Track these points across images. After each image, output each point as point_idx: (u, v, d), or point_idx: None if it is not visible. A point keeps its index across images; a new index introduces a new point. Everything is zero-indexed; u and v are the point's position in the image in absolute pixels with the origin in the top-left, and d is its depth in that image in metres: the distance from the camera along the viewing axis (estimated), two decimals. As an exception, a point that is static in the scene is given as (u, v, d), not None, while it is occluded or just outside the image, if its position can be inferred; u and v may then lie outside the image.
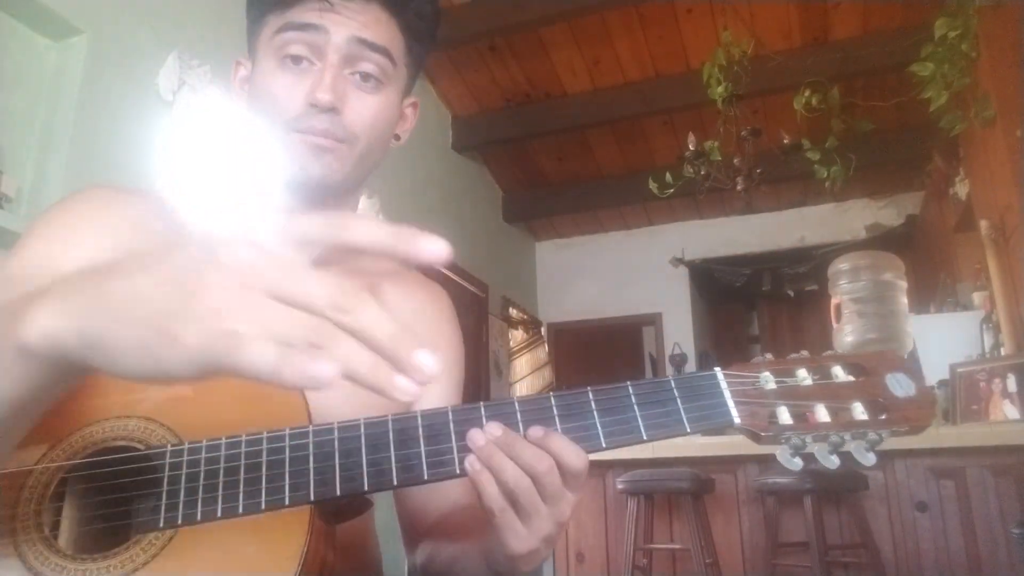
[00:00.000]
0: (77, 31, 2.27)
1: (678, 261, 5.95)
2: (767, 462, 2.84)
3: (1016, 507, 2.49)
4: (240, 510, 0.55)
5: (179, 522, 0.55)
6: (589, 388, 0.62)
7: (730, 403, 0.62)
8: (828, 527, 2.60)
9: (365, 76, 0.78)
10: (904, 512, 2.66)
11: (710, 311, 6.62)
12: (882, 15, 3.80)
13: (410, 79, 0.86)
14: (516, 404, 0.61)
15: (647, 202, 5.21)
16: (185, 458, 0.57)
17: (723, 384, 0.63)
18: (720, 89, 3.78)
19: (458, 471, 0.59)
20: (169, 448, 0.58)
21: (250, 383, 0.53)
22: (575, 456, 0.58)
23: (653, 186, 4.14)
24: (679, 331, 5.89)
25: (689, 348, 5.87)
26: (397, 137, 0.88)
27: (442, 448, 0.60)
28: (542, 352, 6.08)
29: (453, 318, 0.96)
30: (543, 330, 6.23)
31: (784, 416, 0.62)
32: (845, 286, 3.48)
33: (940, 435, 2.62)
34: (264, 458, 0.57)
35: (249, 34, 0.84)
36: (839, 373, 0.63)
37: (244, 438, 0.58)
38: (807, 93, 3.70)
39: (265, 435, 0.58)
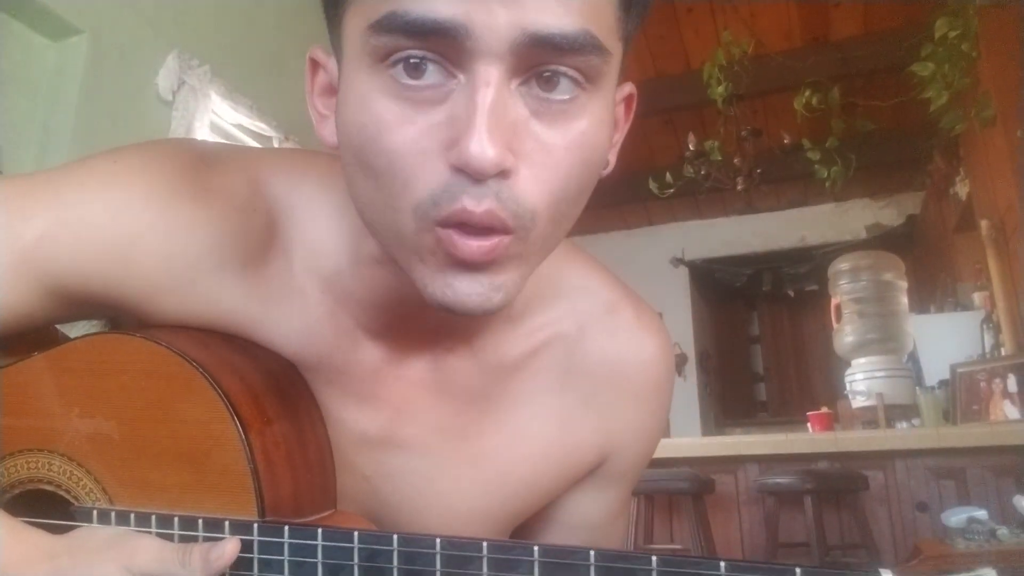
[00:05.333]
0: (77, 31, 2.26)
1: (678, 261, 5.95)
2: (767, 462, 2.84)
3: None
4: None
5: None
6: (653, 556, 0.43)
7: None
8: (828, 527, 2.60)
9: (549, 81, 0.42)
10: (904, 512, 2.66)
11: (710, 311, 6.61)
12: (882, 15, 3.79)
13: (625, 52, 0.48)
14: (536, 551, 0.45)
15: (647, 202, 5.20)
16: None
17: None
18: (720, 89, 3.77)
19: None
20: (96, 512, 0.53)
21: (183, 437, 0.52)
22: None
23: (653, 186, 4.14)
24: (679, 331, 5.87)
25: (689, 348, 5.87)
26: (607, 164, 0.49)
27: None
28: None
29: (655, 407, 0.64)
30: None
31: None
32: (845, 286, 3.48)
33: (940, 435, 2.62)
34: None
35: (325, 10, 0.48)
36: None
37: (177, 519, 0.51)
38: (807, 93, 3.69)
39: (201, 520, 0.50)
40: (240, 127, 2.82)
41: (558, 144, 0.43)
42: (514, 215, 0.42)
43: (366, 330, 0.56)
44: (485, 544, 0.46)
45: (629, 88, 0.53)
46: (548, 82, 0.42)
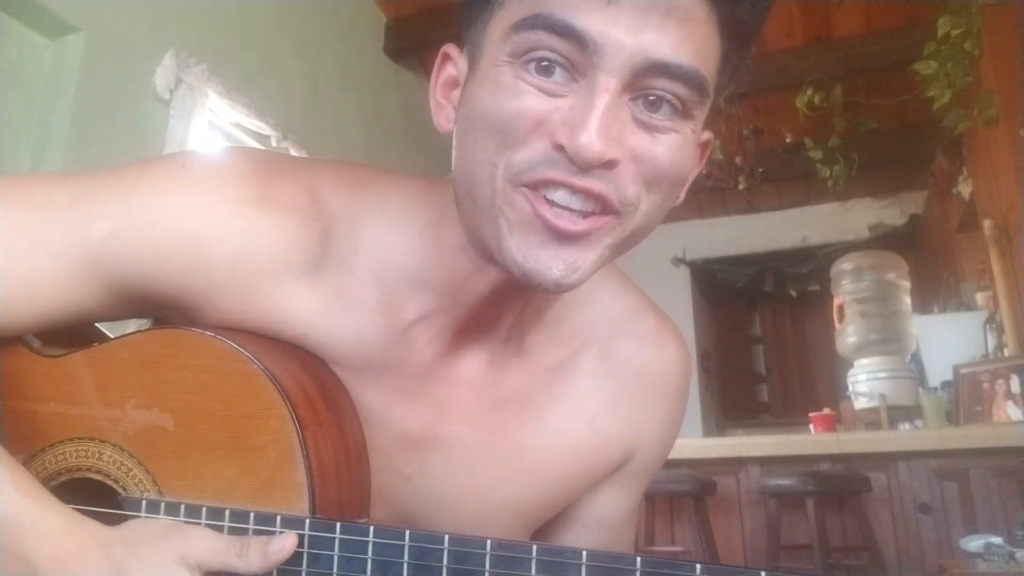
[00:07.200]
0: (74, 29, 2.25)
1: (679, 261, 5.93)
2: (769, 464, 2.82)
3: (1019, 509, 2.47)
4: None
5: None
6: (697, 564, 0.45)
7: None
8: (830, 529, 2.58)
9: (655, 103, 0.49)
10: (907, 514, 2.64)
11: (711, 311, 6.60)
12: (885, 13, 3.78)
13: (713, 103, 0.55)
14: (584, 555, 0.46)
15: (648, 202, 5.19)
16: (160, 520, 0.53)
17: None
18: (722, 88, 3.75)
19: None
20: (145, 502, 0.54)
21: (239, 432, 0.53)
22: None
23: (654, 185, 4.12)
24: (680, 331, 5.86)
25: (691, 348, 5.84)
26: (678, 197, 0.57)
27: None
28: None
29: (675, 408, 0.69)
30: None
31: None
32: (848, 286, 3.47)
33: (943, 436, 2.61)
34: None
35: (469, 15, 0.54)
36: None
37: (228, 512, 0.51)
38: (809, 91, 3.67)
39: (252, 515, 0.51)
40: (238, 126, 2.80)
41: (654, 152, 0.49)
42: (621, 200, 0.48)
43: (425, 324, 0.59)
44: (535, 547, 0.47)
45: (707, 135, 0.59)
46: (653, 104, 0.49)
